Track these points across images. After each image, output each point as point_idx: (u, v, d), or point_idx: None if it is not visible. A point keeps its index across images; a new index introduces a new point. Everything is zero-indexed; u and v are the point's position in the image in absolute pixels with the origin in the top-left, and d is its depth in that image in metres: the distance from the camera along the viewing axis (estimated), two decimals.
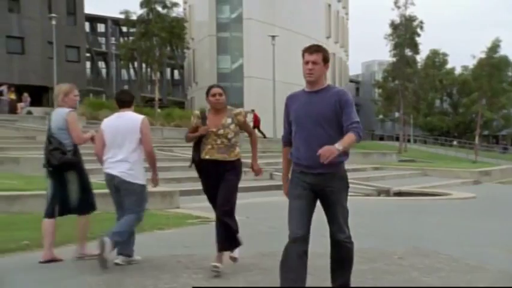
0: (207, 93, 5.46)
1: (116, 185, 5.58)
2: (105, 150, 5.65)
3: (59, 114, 5.76)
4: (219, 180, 5.37)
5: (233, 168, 5.43)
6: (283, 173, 4.43)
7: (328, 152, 3.82)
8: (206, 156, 5.38)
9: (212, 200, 5.50)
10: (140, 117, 5.65)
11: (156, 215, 9.29)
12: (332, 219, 4.16)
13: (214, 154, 5.37)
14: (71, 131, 5.70)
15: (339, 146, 3.86)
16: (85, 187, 5.81)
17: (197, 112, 5.63)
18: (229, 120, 5.45)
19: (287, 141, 4.32)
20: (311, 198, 4.12)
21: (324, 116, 4.05)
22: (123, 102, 5.71)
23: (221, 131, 5.39)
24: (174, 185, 13.28)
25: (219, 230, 5.31)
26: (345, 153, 4.05)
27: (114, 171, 5.56)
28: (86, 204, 5.80)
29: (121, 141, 5.55)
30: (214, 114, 5.47)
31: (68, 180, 5.70)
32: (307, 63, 4.10)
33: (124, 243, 5.50)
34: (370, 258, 6.04)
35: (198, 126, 5.48)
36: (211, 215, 8.88)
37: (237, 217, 5.45)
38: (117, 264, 5.52)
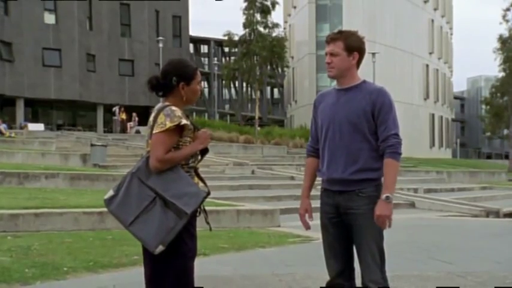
0: (191, 76, 3.37)
1: None
2: None
3: None
4: None
5: None
6: (302, 189, 3.54)
7: (381, 215, 3.13)
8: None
9: None
10: None
11: (257, 233, 9.43)
12: (358, 255, 3.28)
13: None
14: None
15: (386, 196, 3.14)
16: None
17: (176, 108, 3.33)
18: None
19: (312, 150, 3.49)
20: (341, 225, 3.32)
21: (350, 121, 3.23)
22: None
23: None
24: (274, 203, 13.40)
25: None
26: (371, 169, 3.25)
27: None
28: None
29: None
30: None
31: None
32: (326, 55, 3.36)
33: None
34: (481, 282, 5.80)
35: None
36: (313, 233, 8.94)
37: None
38: None
